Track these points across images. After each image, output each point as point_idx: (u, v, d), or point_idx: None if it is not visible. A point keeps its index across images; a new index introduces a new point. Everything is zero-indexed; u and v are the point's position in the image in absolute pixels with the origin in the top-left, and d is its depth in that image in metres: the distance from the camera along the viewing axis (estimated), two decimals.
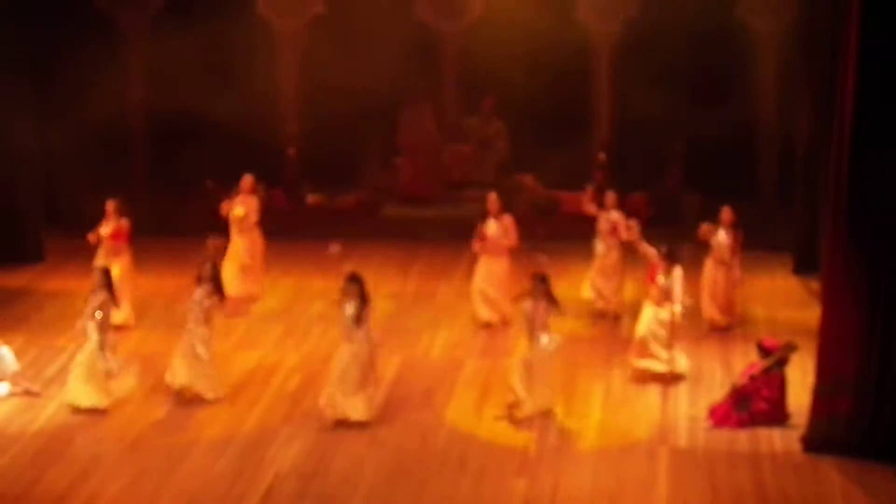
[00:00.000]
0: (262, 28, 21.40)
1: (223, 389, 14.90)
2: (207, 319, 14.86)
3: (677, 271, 15.10)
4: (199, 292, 14.83)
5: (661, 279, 15.08)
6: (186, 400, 14.71)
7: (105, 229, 17.07)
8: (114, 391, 14.67)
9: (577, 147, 20.67)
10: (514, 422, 14.14)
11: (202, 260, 15.21)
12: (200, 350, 14.74)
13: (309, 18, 21.56)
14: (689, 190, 20.40)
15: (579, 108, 21.17)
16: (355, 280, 14.17)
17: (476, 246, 16.96)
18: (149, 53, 21.42)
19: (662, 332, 15.05)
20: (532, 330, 14.27)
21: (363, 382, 14.09)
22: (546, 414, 14.26)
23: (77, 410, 14.42)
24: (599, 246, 17.27)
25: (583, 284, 17.50)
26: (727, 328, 16.82)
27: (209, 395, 14.77)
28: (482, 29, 21.03)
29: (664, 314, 15.07)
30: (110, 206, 17.08)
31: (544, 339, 14.24)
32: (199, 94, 20.24)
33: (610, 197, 17.26)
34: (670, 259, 15.14)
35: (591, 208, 17.46)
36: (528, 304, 14.28)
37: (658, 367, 15.09)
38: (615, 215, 17.11)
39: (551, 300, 14.25)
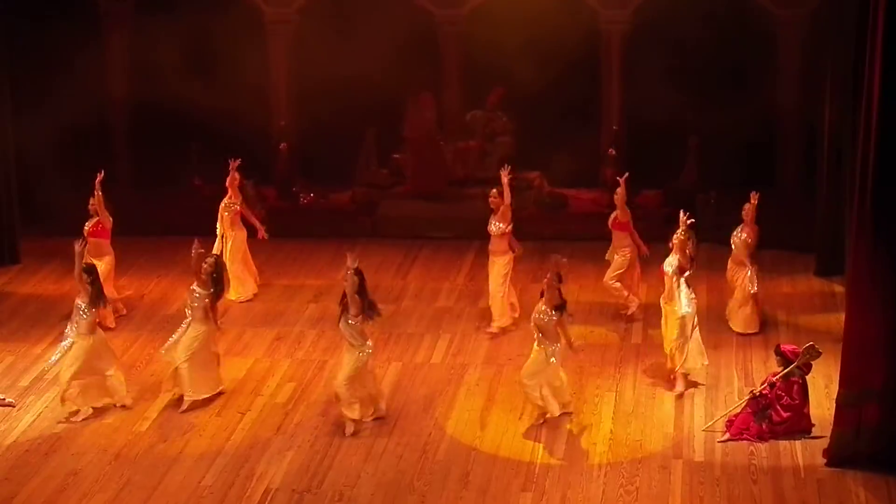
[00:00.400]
0: (250, 15, 21.36)
1: (201, 392, 14.95)
2: (205, 316, 14.94)
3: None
4: (198, 286, 14.95)
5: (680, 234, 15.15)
6: (175, 403, 14.91)
7: (86, 225, 17.07)
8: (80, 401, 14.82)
9: (585, 142, 20.63)
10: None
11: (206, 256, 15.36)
12: (161, 349, 14.96)
13: (300, 4, 21.53)
14: (705, 186, 20.34)
15: (588, 99, 21.12)
16: (355, 272, 14.20)
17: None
18: (131, 43, 21.36)
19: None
20: (541, 334, 14.32)
21: (358, 379, 14.24)
22: (555, 421, 14.35)
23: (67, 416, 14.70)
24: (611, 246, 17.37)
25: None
26: (752, 335, 16.77)
27: (188, 393, 14.88)
28: (485, 15, 20.98)
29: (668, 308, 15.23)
30: (93, 198, 17.03)
31: (551, 348, 14.31)
32: (184, 85, 20.17)
33: (619, 191, 17.26)
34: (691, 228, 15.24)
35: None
36: (540, 304, 14.32)
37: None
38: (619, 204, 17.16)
39: (562, 303, 14.31)
